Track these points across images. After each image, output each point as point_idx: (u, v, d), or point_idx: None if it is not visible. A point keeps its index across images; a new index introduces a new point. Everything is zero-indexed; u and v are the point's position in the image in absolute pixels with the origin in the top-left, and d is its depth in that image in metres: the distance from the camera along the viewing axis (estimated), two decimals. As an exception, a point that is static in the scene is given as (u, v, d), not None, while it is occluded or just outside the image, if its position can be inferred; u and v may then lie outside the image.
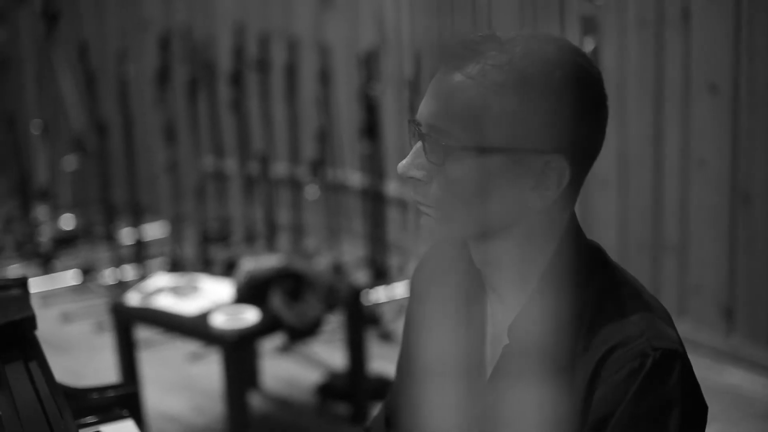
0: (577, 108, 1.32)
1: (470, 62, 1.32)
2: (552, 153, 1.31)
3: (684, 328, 4.13)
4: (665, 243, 4.19)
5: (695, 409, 1.32)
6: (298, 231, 5.48)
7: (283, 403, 3.98)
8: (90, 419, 1.95)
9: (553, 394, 1.35)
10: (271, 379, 4.13)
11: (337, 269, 4.80)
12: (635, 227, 4.29)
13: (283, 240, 5.59)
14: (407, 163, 1.37)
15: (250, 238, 5.63)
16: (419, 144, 1.36)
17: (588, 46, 4.17)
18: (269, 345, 4.32)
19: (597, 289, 1.37)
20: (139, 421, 2.40)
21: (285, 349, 4.35)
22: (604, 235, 4.36)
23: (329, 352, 4.30)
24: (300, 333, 3.49)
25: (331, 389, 3.92)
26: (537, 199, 1.34)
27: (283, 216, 5.66)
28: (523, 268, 1.39)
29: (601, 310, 1.34)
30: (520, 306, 1.39)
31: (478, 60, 1.32)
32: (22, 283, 1.91)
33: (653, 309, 1.36)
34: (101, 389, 1.97)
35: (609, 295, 1.36)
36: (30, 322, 1.81)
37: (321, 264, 4.13)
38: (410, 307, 1.65)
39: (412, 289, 1.65)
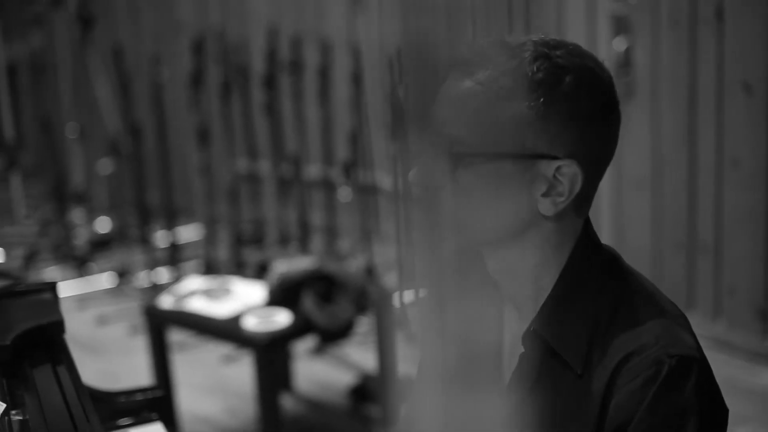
0: (588, 113, 1.31)
1: (479, 68, 1.31)
2: (563, 158, 1.30)
3: (718, 330, 4.10)
4: (700, 244, 4.16)
5: (714, 414, 1.30)
6: (331, 233, 5.49)
7: (315, 405, 3.99)
8: (119, 423, 1.96)
9: (569, 402, 1.34)
10: (304, 381, 4.14)
11: (369, 271, 4.81)
12: (669, 228, 4.26)
13: (317, 242, 5.59)
14: (417, 170, 1.34)
15: (283, 241, 5.64)
16: (429, 150, 1.35)
17: (620, 46, 4.15)
18: (302, 347, 4.32)
19: (612, 297, 1.35)
20: (170, 423, 2.41)
21: (318, 351, 4.36)
22: (639, 235, 4.33)
23: (362, 355, 4.30)
24: (331, 335, 3.49)
25: (364, 391, 3.92)
26: (549, 205, 1.32)
27: (317, 218, 5.67)
28: (537, 276, 1.38)
29: (616, 317, 1.33)
30: (535, 314, 1.38)
31: (487, 66, 1.31)
32: (51, 287, 1.93)
33: (669, 315, 1.34)
34: (130, 393, 1.98)
35: (624, 302, 1.35)
36: (58, 326, 1.83)
37: (353, 266, 4.14)
38: None
39: None
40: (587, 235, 1.39)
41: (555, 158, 1.30)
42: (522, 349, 1.39)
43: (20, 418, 1.56)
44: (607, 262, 1.40)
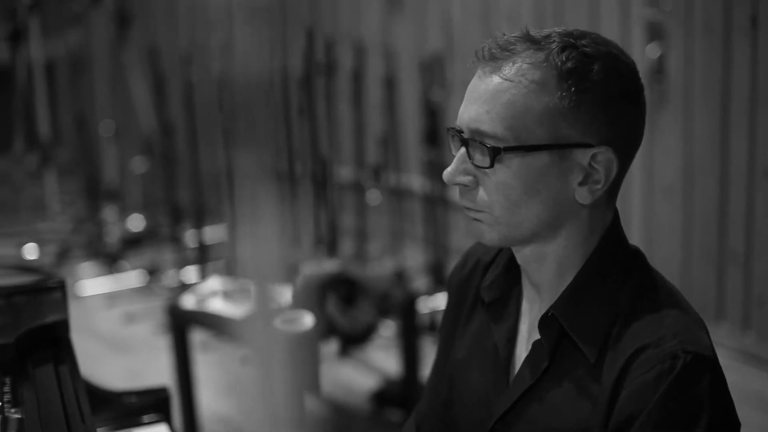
0: (618, 98, 1.32)
1: (507, 63, 1.32)
2: (598, 146, 1.32)
3: (747, 342, 4.05)
4: (729, 254, 4.10)
5: (724, 421, 1.28)
6: (361, 236, 5.47)
7: (337, 408, 3.97)
8: (124, 423, 1.96)
9: (581, 389, 1.33)
10: (327, 384, 4.12)
11: (399, 275, 4.79)
12: (699, 236, 4.20)
13: (347, 244, 5.58)
14: (452, 170, 1.37)
15: (314, 242, 5.63)
16: (462, 150, 1.36)
17: (654, 53, 4.10)
18: (326, 349, 4.31)
19: (633, 289, 1.36)
20: (189, 424, 2.42)
21: (341, 354, 4.34)
22: (668, 244, 4.28)
23: (387, 359, 4.29)
24: (352, 339, 3.48)
25: (387, 396, 3.90)
26: (587, 193, 1.34)
27: (348, 220, 5.66)
28: (563, 264, 1.39)
29: (636, 309, 1.34)
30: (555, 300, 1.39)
31: (514, 60, 1.32)
32: (60, 286, 1.93)
33: (688, 314, 1.34)
34: (135, 393, 1.97)
35: (644, 295, 1.35)
36: (63, 325, 1.82)
37: (379, 270, 4.12)
38: (446, 310, 1.65)
39: (449, 291, 1.65)
40: (615, 227, 1.40)
41: (590, 146, 1.32)
42: (536, 337, 1.40)
43: (19, 416, 1.56)
44: (631, 256, 1.41)
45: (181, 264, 5.45)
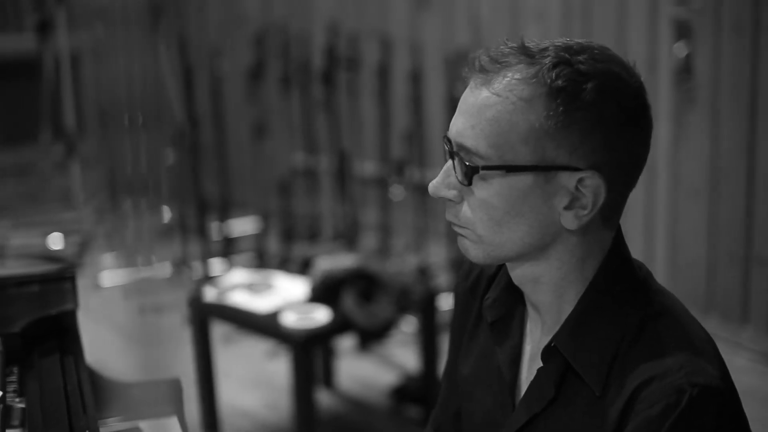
0: (613, 120, 1.24)
1: (497, 76, 1.26)
2: (585, 170, 1.24)
3: (771, 345, 4.00)
4: (756, 256, 4.06)
5: None
6: (385, 231, 5.46)
7: (356, 404, 3.96)
8: (133, 414, 1.95)
9: (586, 422, 1.28)
10: (346, 379, 4.12)
11: (422, 271, 4.77)
12: (725, 239, 4.16)
13: (370, 239, 5.57)
14: (437, 183, 1.31)
15: (337, 237, 5.63)
16: (449, 162, 1.30)
17: (681, 52, 4.06)
18: (346, 344, 4.30)
19: (637, 317, 1.28)
20: (212, 417, 2.41)
21: (359, 349, 4.33)
22: (693, 246, 4.24)
23: (407, 355, 4.27)
24: (370, 334, 3.46)
25: (406, 392, 3.88)
26: (572, 218, 1.27)
27: (371, 215, 5.65)
28: (561, 290, 1.32)
29: (640, 338, 1.27)
30: (558, 328, 1.33)
31: (505, 74, 1.25)
32: (70, 276, 1.92)
33: (696, 341, 1.27)
34: (143, 385, 1.96)
35: (649, 323, 1.28)
36: (72, 315, 1.82)
37: (400, 265, 4.11)
38: (453, 318, 1.61)
39: (455, 300, 1.61)
40: (617, 250, 1.33)
41: (577, 170, 1.24)
42: (541, 363, 1.34)
43: (22, 406, 1.56)
44: (635, 280, 1.33)
45: (207, 256, 5.46)
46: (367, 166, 5.70)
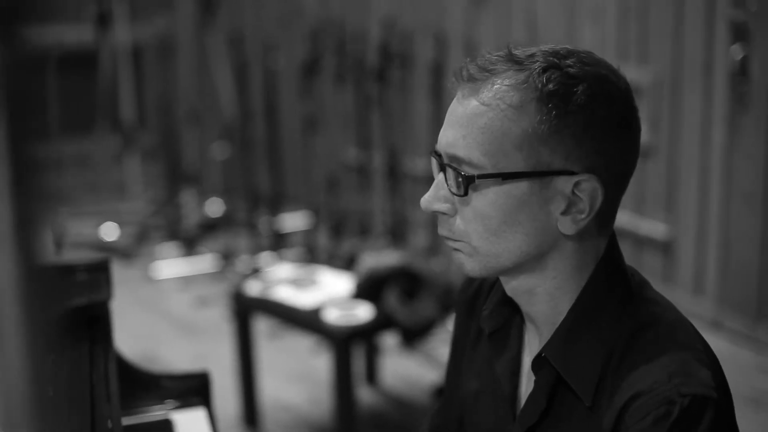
0: (605, 123, 1.23)
1: (486, 85, 1.24)
2: (581, 173, 1.23)
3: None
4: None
5: None
6: (435, 229, 5.45)
7: (397, 402, 3.96)
8: (163, 405, 1.97)
9: (576, 431, 1.27)
10: (389, 377, 4.12)
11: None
12: (778, 245, 4.10)
13: (420, 237, 5.56)
14: (429, 197, 1.29)
15: (386, 234, 5.64)
16: (441, 176, 1.29)
17: (737, 54, 4.00)
18: (390, 342, 4.30)
19: (629, 326, 1.26)
20: (251, 411, 2.41)
21: (403, 347, 4.32)
22: (746, 250, 4.18)
23: (451, 354, 4.25)
24: (412, 333, 3.46)
25: (448, 391, 3.87)
26: (570, 223, 1.25)
27: (422, 213, 5.63)
28: (556, 300, 1.31)
29: (631, 349, 1.25)
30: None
31: (493, 82, 1.24)
32: (104, 266, 1.94)
33: (689, 349, 1.24)
34: (175, 377, 1.98)
35: (641, 332, 1.26)
36: (104, 305, 1.84)
37: (446, 264, 4.09)
38: (455, 327, 1.60)
39: (456, 310, 1.60)
40: (610, 257, 1.31)
41: (572, 174, 1.23)
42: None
43: (51, 394, 1.57)
44: (628, 288, 1.30)
45: (256, 250, 5.49)
46: (418, 164, 5.69)
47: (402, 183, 5.53)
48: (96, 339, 1.74)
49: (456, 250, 1.30)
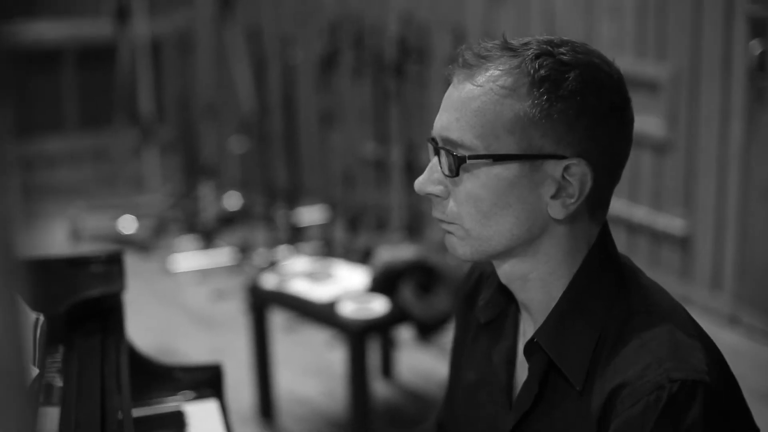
0: (596, 110, 1.25)
1: (480, 70, 1.27)
2: (571, 158, 1.25)
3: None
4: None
5: None
6: (452, 224, 5.45)
7: (413, 396, 3.96)
8: (176, 397, 1.98)
9: (569, 420, 1.28)
10: (406, 370, 4.12)
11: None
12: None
13: (438, 232, 5.56)
14: (423, 179, 1.32)
15: (403, 227, 5.64)
16: (435, 159, 1.32)
17: (755, 50, 3.99)
18: (407, 336, 4.30)
19: (621, 311, 1.28)
20: (266, 404, 2.40)
21: (418, 340, 4.33)
22: (764, 246, 4.16)
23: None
24: (427, 327, 3.46)
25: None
26: (560, 207, 1.27)
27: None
28: (549, 286, 1.32)
29: (623, 334, 1.25)
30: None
31: (487, 68, 1.27)
32: (116, 258, 1.95)
33: (681, 335, 1.24)
34: (188, 368, 1.99)
35: (633, 318, 1.27)
36: (116, 297, 1.85)
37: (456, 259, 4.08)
38: (456, 321, 1.61)
39: (457, 304, 1.62)
40: (603, 244, 1.32)
41: (562, 158, 1.25)
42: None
43: (61, 385, 1.59)
44: (621, 274, 1.32)
45: (273, 243, 5.50)
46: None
47: (410, 176, 5.52)
48: (108, 331, 1.75)
49: (449, 233, 1.33)
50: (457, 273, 3.55)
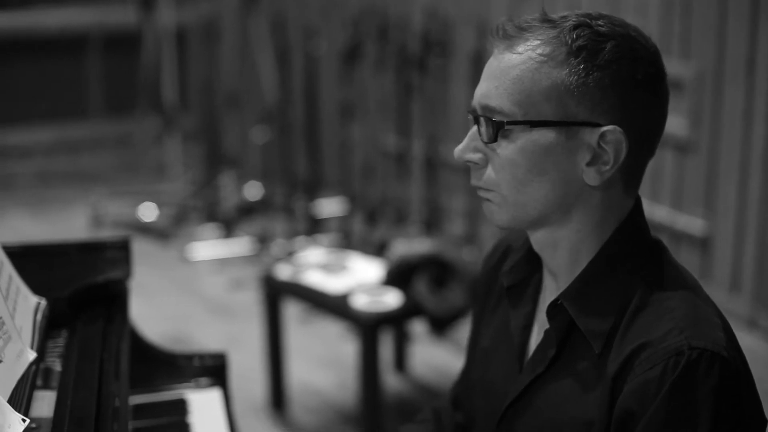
0: (631, 80, 1.29)
1: (520, 40, 1.31)
2: (607, 125, 1.28)
3: None
4: None
5: (735, 422, 1.21)
6: (471, 218, 5.43)
7: (426, 389, 3.96)
8: (181, 385, 1.98)
9: (586, 381, 1.30)
10: (419, 364, 4.11)
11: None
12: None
13: (457, 226, 5.54)
14: (463, 146, 1.36)
15: (422, 222, 5.62)
16: (474, 127, 1.35)
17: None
18: (421, 329, 4.29)
19: (646, 282, 1.31)
20: (278, 394, 2.39)
21: (432, 335, 4.31)
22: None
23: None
24: (440, 321, 3.45)
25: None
26: (595, 174, 1.30)
27: (459, 202, 5.62)
28: (577, 254, 1.36)
29: (646, 302, 1.29)
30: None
31: (527, 38, 1.31)
32: (124, 244, 1.95)
33: (705, 313, 1.28)
34: (192, 356, 1.99)
35: (657, 290, 1.30)
36: (121, 283, 1.84)
37: (479, 253, 4.07)
38: (477, 294, 1.64)
39: (481, 275, 1.64)
40: (634, 217, 1.36)
41: (598, 125, 1.28)
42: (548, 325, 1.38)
43: (60, 369, 1.58)
44: (649, 248, 1.36)
45: (292, 234, 5.50)
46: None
47: (439, 172, 5.51)
48: (112, 317, 1.75)
49: (487, 200, 1.36)
50: (472, 268, 3.53)
